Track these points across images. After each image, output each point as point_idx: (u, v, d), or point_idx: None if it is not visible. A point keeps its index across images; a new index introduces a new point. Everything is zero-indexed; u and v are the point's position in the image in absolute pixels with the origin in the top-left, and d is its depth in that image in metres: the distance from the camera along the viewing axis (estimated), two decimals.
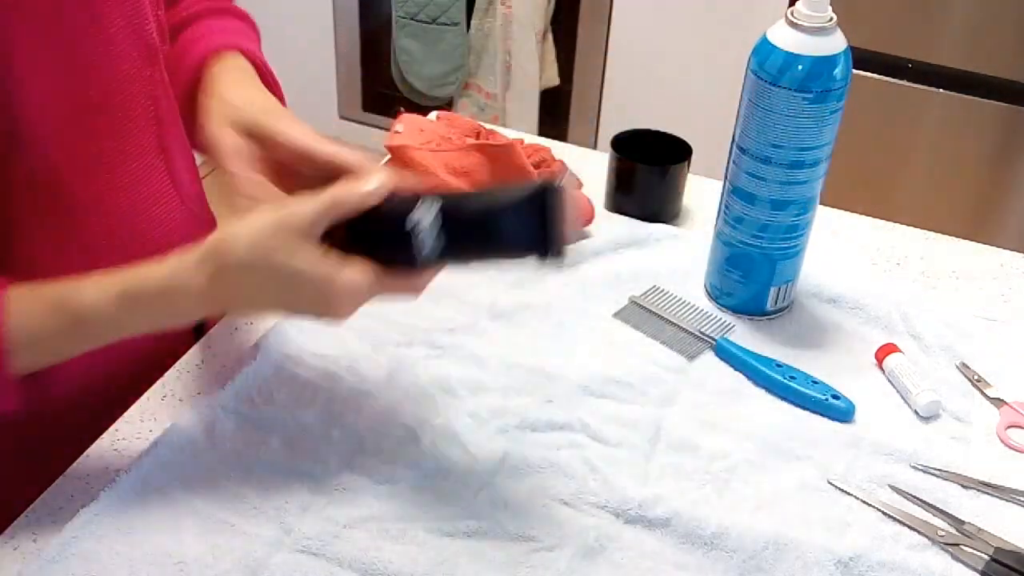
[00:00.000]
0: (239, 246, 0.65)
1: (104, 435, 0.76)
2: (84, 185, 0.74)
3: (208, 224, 0.89)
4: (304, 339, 0.84)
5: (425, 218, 0.63)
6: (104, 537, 0.68)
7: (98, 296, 0.67)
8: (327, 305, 0.65)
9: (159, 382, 0.81)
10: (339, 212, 0.65)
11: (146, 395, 0.80)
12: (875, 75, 1.80)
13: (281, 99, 0.82)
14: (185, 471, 0.72)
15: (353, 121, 2.45)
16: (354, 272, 0.64)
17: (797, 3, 0.79)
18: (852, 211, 1.06)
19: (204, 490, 0.71)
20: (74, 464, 0.74)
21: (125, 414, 0.78)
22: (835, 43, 0.79)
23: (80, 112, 0.73)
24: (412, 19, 2.19)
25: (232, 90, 0.77)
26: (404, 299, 0.68)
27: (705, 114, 1.83)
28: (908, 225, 1.04)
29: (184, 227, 0.85)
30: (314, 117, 2.42)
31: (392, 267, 0.66)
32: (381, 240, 0.66)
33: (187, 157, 0.86)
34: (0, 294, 0.66)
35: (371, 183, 0.65)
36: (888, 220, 1.05)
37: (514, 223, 0.63)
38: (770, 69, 0.80)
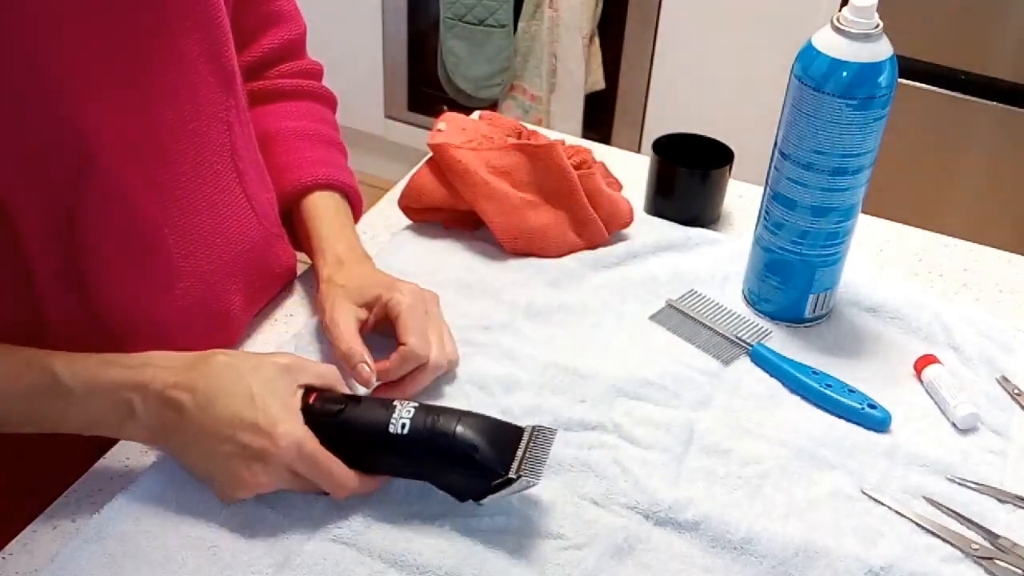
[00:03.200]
0: (229, 353, 0.71)
1: None
2: (159, 209, 0.75)
3: (282, 242, 0.91)
4: None
5: (403, 407, 0.70)
6: (141, 520, 0.69)
7: (72, 360, 0.70)
8: (259, 445, 0.67)
9: None
10: (323, 379, 0.72)
11: None
12: (928, 86, 1.77)
13: (359, 215, 0.93)
14: None
15: (398, 120, 2.46)
16: (299, 428, 0.68)
17: (843, 9, 0.79)
18: (899, 221, 1.05)
19: None
20: (113, 448, 0.75)
21: None
22: (881, 50, 0.79)
23: (153, 137, 0.74)
24: (460, 20, 2.20)
25: (344, 270, 0.83)
26: (328, 489, 0.70)
27: (751, 119, 1.82)
28: (955, 237, 1.03)
29: (261, 246, 0.86)
30: (360, 116, 2.44)
31: (348, 447, 0.70)
32: (357, 419, 0.70)
33: (262, 177, 0.88)
34: None
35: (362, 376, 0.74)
36: (935, 231, 1.04)
37: (466, 470, 0.68)
38: (814, 74, 0.79)
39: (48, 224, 0.70)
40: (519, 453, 0.68)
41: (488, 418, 0.70)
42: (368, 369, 0.75)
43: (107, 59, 0.69)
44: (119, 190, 0.72)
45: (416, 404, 0.70)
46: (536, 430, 0.69)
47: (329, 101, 0.98)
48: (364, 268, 0.84)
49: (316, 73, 0.98)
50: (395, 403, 0.70)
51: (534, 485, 0.67)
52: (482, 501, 0.68)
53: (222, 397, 0.68)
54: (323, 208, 0.89)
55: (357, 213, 0.93)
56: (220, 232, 0.81)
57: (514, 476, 0.66)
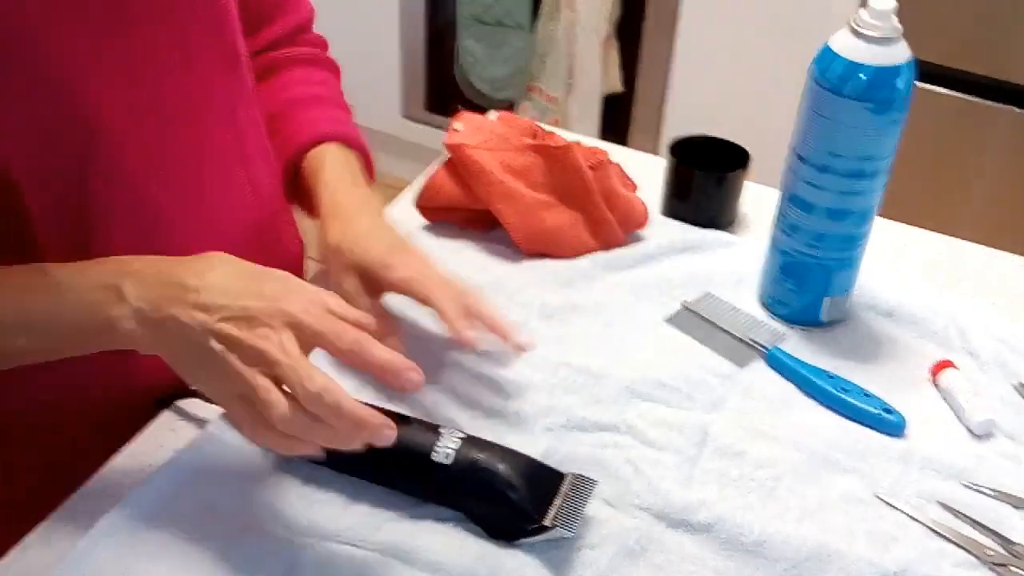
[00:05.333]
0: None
1: (162, 414, 0.78)
2: (164, 187, 0.76)
3: (287, 227, 0.91)
4: None
5: (450, 436, 0.70)
6: (154, 518, 0.69)
7: (63, 263, 0.67)
8: (265, 303, 0.62)
9: None
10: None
11: None
12: (945, 90, 1.77)
13: (372, 172, 0.89)
14: (238, 457, 0.74)
15: (416, 120, 2.47)
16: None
17: (860, 11, 0.79)
18: (917, 225, 1.04)
19: (254, 476, 0.73)
20: (131, 445, 0.76)
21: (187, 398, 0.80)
22: (899, 53, 0.78)
23: (158, 116, 0.74)
24: (477, 21, 2.20)
25: (352, 225, 0.80)
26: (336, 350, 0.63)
27: (770, 122, 1.81)
28: (972, 241, 1.03)
29: (264, 229, 0.86)
30: (377, 116, 2.44)
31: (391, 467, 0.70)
32: (401, 440, 0.65)
33: (266, 160, 0.88)
34: None
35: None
36: (952, 236, 1.03)
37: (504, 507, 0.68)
38: (831, 77, 0.79)
39: (57, 204, 0.70)
40: (557, 501, 0.68)
41: (531, 460, 0.71)
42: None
43: (107, 40, 0.69)
44: (123, 170, 0.72)
45: (463, 436, 0.70)
46: (577, 479, 0.70)
47: (331, 67, 0.97)
48: (360, 223, 0.80)
49: (319, 43, 0.97)
50: (441, 430, 0.71)
51: (568, 536, 0.67)
52: (515, 543, 0.68)
53: (227, 279, 0.64)
54: (319, 160, 0.87)
55: (370, 169, 0.91)
56: (222, 215, 0.81)
57: (548, 524, 0.67)
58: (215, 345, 0.62)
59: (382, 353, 0.62)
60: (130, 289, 0.64)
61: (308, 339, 0.63)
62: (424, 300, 0.74)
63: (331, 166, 0.86)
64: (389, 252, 0.77)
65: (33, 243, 0.71)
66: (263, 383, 0.61)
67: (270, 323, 0.62)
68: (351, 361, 0.63)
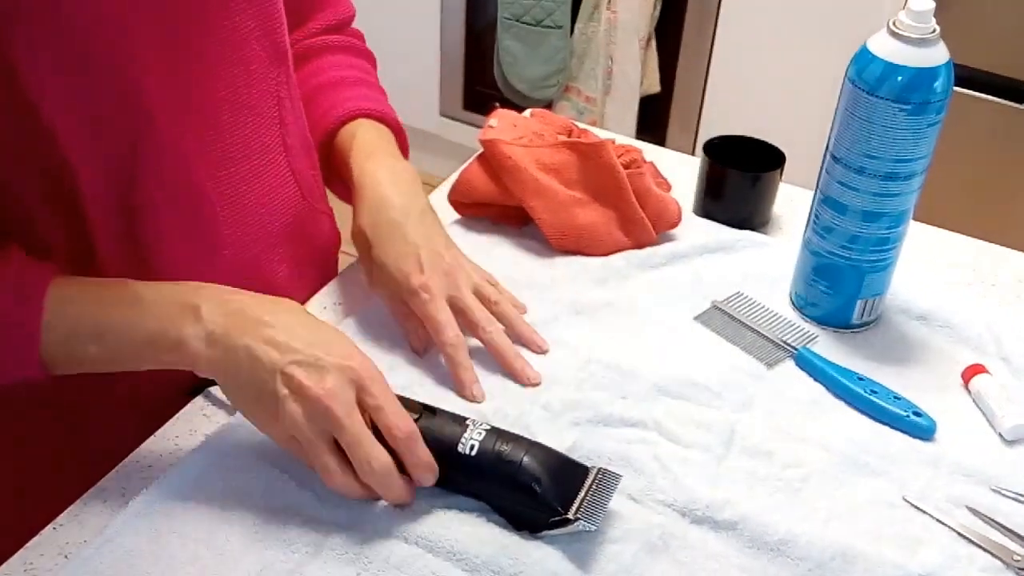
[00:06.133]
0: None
1: (196, 399, 0.80)
2: (210, 176, 0.77)
3: (325, 218, 0.92)
4: (385, 326, 0.86)
5: (476, 428, 0.70)
6: (187, 497, 0.71)
7: (147, 281, 0.71)
8: (332, 360, 0.66)
9: None
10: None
11: None
12: (987, 96, 1.75)
13: (406, 151, 0.91)
14: (267, 442, 0.74)
15: (453, 119, 2.48)
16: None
17: (899, 13, 0.78)
18: (955, 231, 1.03)
19: (282, 462, 0.73)
20: (163, 427, 0.77)
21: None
22: (936, 55, 0.78)
23: (207, 107, 0.76)
24: (517, 21, 2.21)
25: (382, 214, 0.82)
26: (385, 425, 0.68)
27: (806, 123, 1.80)
28: (1013, 248, 1.01)
29: (303, 220, 0.88)
30: (415, 113, 2.46)
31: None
32: (428, 431, 0.69)
33: (308, 154, 0.89)
34: (46, 280, 0.69)
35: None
36: (993, 242, 1.02)
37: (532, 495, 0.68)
38: (868, 78, 0.79)
39: (109, 189, 0.72)
40: (581, 494, 0.68)
41: (556, 453, 0.71)
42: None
43: (162, 30, 0.71)
44: (171, 157, 0.74)
45: (488, 427, 0.71)
46: (601, 472, 0.70)
47: (366, 55, 0.99)
48: (390, 211, 0.82)
49: (355, 35, 0.99)
50: (468, 421, 0.71)
51: (592, 530, 0.67)
52: (538, 535, 0.69)
53: (297, 324, 0.68)
54: (351, 133, 0.89)
55: (404, 149, 0.93)
56: (264, 203, 0.83)
57: (572, 517, 0.67)
58: (281, 388, 0.66)
59: (423, 455, 0.68)
60: (207, 311, 0.67)
61: (368, 406, 0.67)
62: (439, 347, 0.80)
63: (362, 137, 0.88)
64: (414, 276, 0.80)
65: (86, 232, 0.72)
66: (322, 447, 0.66)
67: (338, 380, 0.65)
68: (393, 445, 0.67)
